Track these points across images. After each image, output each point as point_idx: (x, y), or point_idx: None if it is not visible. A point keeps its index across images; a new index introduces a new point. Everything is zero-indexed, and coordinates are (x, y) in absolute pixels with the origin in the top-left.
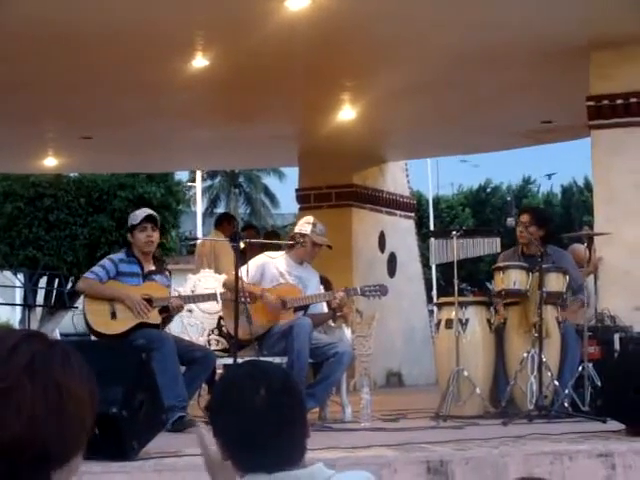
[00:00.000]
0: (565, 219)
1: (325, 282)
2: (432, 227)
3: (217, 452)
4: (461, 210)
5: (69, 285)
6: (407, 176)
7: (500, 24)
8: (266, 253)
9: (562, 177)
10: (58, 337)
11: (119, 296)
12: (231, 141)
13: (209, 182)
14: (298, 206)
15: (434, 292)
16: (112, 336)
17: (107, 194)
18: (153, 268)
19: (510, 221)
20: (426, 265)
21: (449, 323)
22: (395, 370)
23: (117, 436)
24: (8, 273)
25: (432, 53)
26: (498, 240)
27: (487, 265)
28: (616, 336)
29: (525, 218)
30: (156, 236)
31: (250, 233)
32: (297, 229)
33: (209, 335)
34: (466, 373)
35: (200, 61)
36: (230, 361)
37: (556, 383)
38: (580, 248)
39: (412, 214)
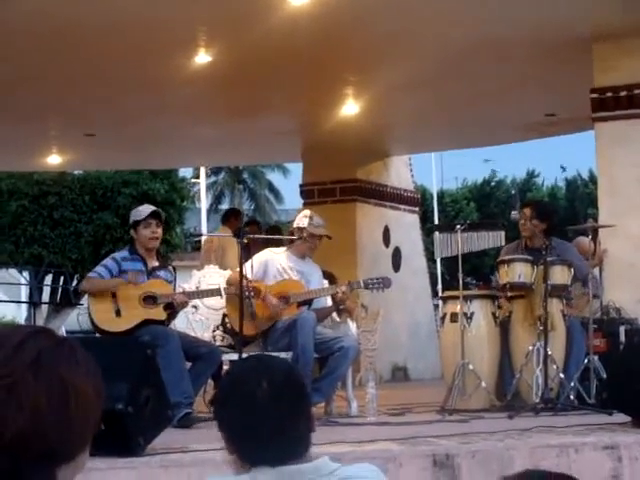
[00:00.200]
0: (570, 212)
1: (330, 277)
2: (436, 221)
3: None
4: (465, 204)
5: (74, 282)
6: (411, 170)
7: (502, 17)
8: (269, 249)
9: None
10: (64, 334)
11: (118, 284)
12: (235, 137)
13: (213, 178)
14: (302, 201)
15: (439, 286)
16: (117, 333)
17: (111, 191)
18: (157, 264)
19: (514, 214)
20: (431, 259)
21: (454, 317)
22: (401, 365)
23: (123, 432)
24: (14, 271)
25: (435, 47)
26: (502, 233)
27: (491, 259)
28: (621, 328)
29: (527, 211)
30: (160, 232)
31: (253, 229)
32: (295, 224)
33: (214, 331)
34: (471, 367)
35: (203, 57)
36: (235, 357)
37: (562, 376)
38: (585, 241)
39: (416, 208)
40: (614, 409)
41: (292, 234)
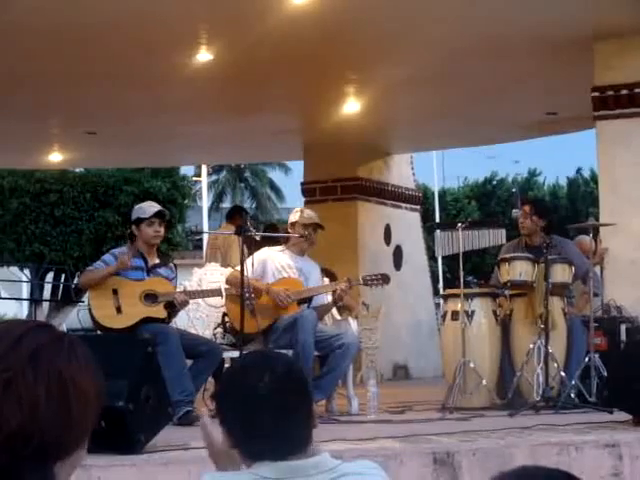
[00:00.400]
0: (571, 211)
1: (331, 275)
2: (438, 220)
3: (221, 441)
4: (467, 203)
5: (75, 280)
6: (412, 169)
7: (504, 16)
8: (268, 248)
9: (567, 169)
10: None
11: (113, 269)
12: (236, 135)
13: (215, 177)
14: (303, 200)
15: (440, 285)
16: (117, 330)
17: (113, 189)
18: (157, 261)
19: (515, 212)
20: (432, 258)
21: (455, 315)
22: (402, 363)
23: (123, 429)
24: (15, 269)
25: (435, 45)
26: (503, 231)
27: (492, 258)
28: (622, 327)
29: (527, 208)
30: (163, 231)
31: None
32: (288, 222)
33: (215, 329)
34: (472, 365)
35: (204, 55)
36: (236, 354)
37: (562, 374)
38: (586, 239)
39: (418, 207)
40: (615, 407)
41: (286, 232)
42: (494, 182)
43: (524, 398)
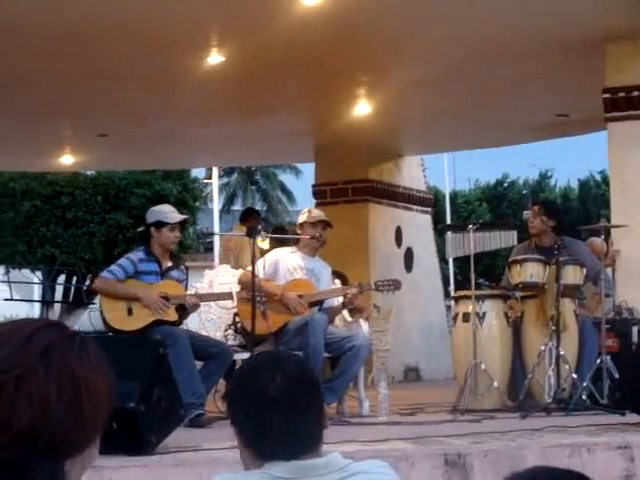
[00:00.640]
0: (582, 213)
1: (342, 277)
2: (449, 222)
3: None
4: (478, 205)
5: (87, 282)
6: (424, 171)
7: (514, 18)
8: (280, 248)
9: (579, 171)
10: None
11: (135, 295)
12: (247, 137)
13: (226, 179)
14: (314, 202)
15: (451, 287)
16: (129, 332)
17: (124, 192)
18: (170, 264)
19: (526, 214)
20: (443, 260)
21: (466, 317)
22: (413, 365)
23: (135, 430)
24: (26, 271)
25: (446, 47)
26: (515, 233)
27: (504, 260)
28: (634, 328)
29: (536, 208)
30: (180, 236)
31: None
32: (297, 223)
33: (226, 330)
34: (483, 366)
35: (215, 57)
36: (247, 356)
37: (574, 376)
38: (597, 241)
39: (429, 209)
40: (627, 409)
41: (295, 233)
42: (505, 184)
43: (535, 400)
